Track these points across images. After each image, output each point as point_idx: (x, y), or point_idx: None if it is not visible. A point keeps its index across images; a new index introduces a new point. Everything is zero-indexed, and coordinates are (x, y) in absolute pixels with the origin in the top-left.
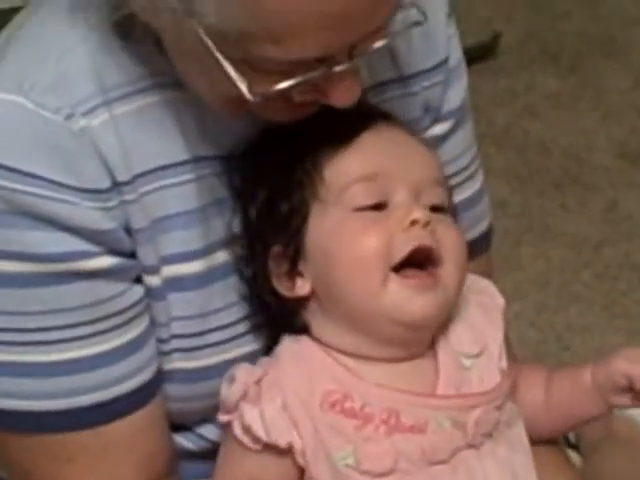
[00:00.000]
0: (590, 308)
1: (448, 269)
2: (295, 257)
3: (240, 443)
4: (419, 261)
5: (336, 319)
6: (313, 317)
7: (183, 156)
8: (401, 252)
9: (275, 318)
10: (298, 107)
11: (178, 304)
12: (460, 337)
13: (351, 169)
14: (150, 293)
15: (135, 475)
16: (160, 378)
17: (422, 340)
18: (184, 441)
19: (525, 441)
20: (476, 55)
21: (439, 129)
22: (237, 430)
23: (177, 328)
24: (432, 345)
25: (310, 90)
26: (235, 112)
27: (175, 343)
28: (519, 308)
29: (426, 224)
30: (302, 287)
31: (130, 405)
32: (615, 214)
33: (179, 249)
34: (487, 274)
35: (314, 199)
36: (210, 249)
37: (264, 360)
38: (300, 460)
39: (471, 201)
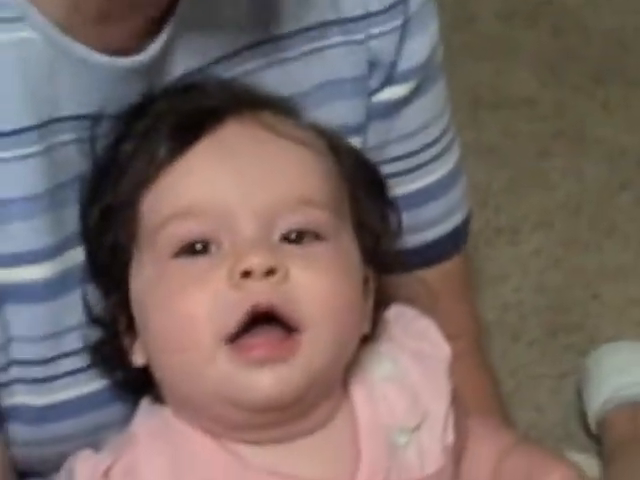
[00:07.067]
0: (628, 243)
1: (314, 328)
2: (129, 315)
3: None
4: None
5: (178, 399)
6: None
7: (27, 120)
8: (231, 320)
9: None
10: None
11: (19, 320)
12: (392, 403)
13: (167, 200)
14: None
15: None
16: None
17: (302, 416)
18: None
19: None
20: None
21: (392, 93)
22: None
23: (19, 352)
24: (351, 410)
25: None
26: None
27: (16, 372)
28: (542, 241)
29: (268, 272)
30: (138, 354)
31: None
32: None
33: (20, 247)
34: (460, 282)
35: (131, 242)
36: (63, 246)
37: (116, 440)
38: None
39: (439, 187)
